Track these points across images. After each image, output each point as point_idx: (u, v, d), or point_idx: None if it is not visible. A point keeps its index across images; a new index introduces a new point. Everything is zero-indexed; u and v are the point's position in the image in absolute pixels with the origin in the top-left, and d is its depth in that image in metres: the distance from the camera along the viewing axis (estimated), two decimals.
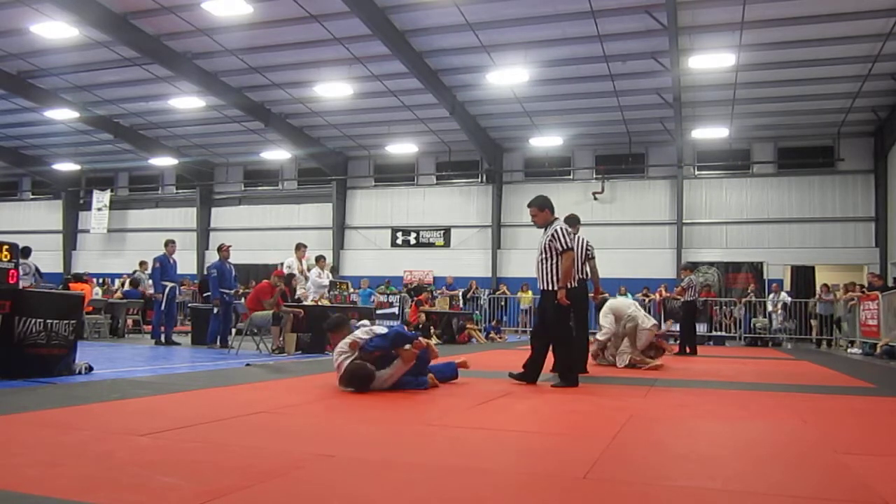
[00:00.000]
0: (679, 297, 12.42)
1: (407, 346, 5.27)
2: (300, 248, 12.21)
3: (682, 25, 13.65)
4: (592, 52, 15.24)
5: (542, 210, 6.08)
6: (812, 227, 19.64)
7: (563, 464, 2.94)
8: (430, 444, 3.40)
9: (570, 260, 5.88)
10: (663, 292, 16.82)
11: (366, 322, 6.20)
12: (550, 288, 5.86)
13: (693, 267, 17.83)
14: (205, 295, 12.45)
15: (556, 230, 5.89)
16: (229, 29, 14.89)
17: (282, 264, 12.20)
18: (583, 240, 7.51)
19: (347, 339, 5.19)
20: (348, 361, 5.00)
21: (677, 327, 13.63)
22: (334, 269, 17.79)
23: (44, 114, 20.36)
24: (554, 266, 5.84)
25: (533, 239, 5.81)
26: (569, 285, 5.89)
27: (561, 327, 5.98)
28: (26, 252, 11.81)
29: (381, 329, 5.50)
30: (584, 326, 7.58)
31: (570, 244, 5.88)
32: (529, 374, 5.97)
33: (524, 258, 19.94)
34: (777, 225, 19.95)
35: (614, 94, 17.36)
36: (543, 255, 5.90)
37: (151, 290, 11.50)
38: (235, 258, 11.74)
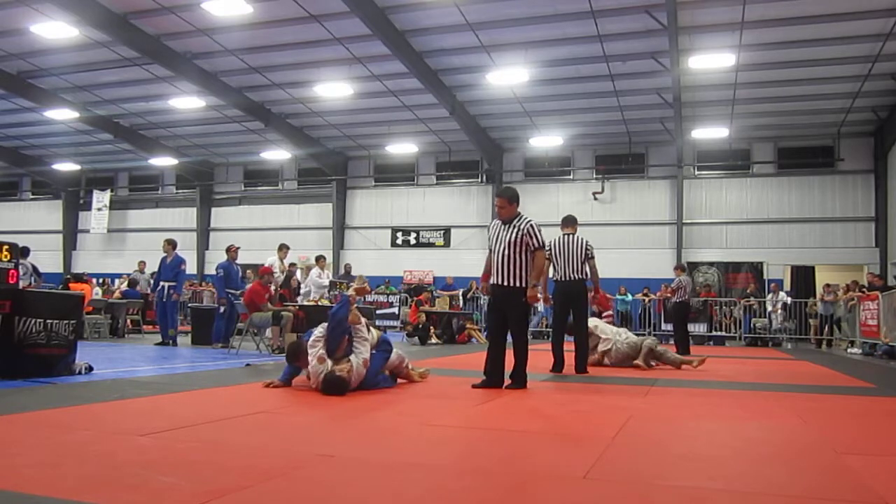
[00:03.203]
0: (669, 296, 12.33)
1: (351, 292, 5.53)
2: (282, 248, 12.32)
3: (682, 25, 13.65)
4: (592, 52, 15.23)
5: (511, 203, 5.72)
6: (812, 227, 19.64)
7: (563, 464, 2.94)
8: (431, 444, 3.40)
9: (543, 258, 5.76)
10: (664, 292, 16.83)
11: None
12: (520, 285, 5.58)
13: (693, 267, 17.80)
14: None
15: (530, 226, 5.60)
16: (229, 29, 14.88)
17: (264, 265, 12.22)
18: (582, 240, 7.51)
19: (313, 358, 5.08)
20: (322, 376, 4.98)
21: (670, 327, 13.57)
22: (347, 272, 17.59)
23: (44, 114, 20.35)
24: (523, 263, 5.59)
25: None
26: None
27: (524, 326, 5.82)
28: (25, 252, 11.82)
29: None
30: (584, 326, 7.60)
31: (543, 242, 5.68)
32: (494, 379, 5.61)
33: None
34: (777, 225, 19.95)
35: (614, 94, 17.36)
36: (510, 251, 5.57)
37: (148, 290, 11.59)
38: None
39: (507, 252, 5.61)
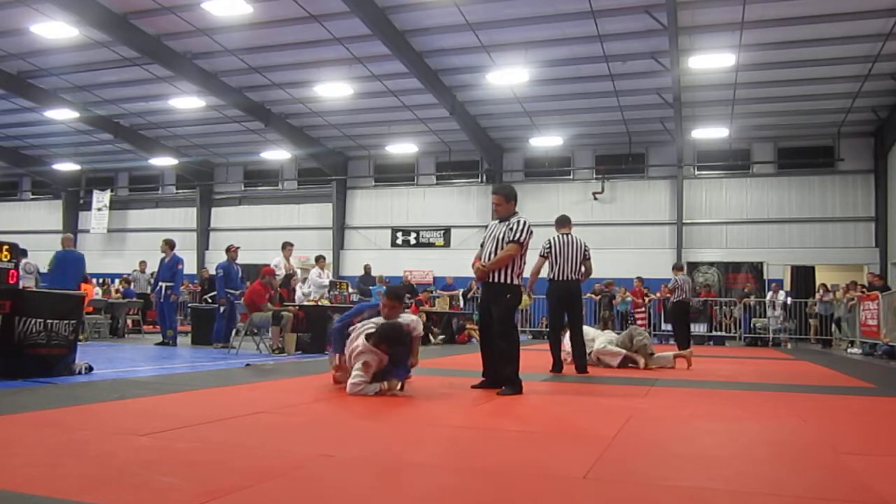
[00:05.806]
0: (668, 296, 12.35)
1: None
2: (286, 246, 12.27)
3: (682, 25, 13.64)
4: (592, 52, 15.22)
5: (508, 201, 5.60)
6: (812, 227, 19.63)
7: (563, 464, 2.94)
8: (430, 444, 3.41)
9: (512, 251, 5.38)
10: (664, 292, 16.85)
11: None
12: (504, 281, 5.43)
13: (693, 267, 17.79)
14: (208, 295, 12.52)
15: (518, 221, 5.46)
16: (229, 29, 14.88)
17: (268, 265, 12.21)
18: (581, 240, 7.51)
19: (359, 366, 4.91)
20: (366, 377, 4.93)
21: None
22: (367, 272, 17.33)
23: (44, 114, 20.33)
24: (511, 260, 5.45)
25: (533, 240, 5.64)
26: (493, 279, 5.46)
27: (508, 324, 5.50)
28: (23, 253, 11.85)
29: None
30: (580, 326, 7.59)
31: (524, 239, 5.41)
32: (492, 379, 5.52)
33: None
34: (777, 225, 19.94)
35: (614, 94, 17.35)
36: (499, 248, 5.41)
37: (147, 290, 11.65)
38: None
39: (496, 249, 5.47)
